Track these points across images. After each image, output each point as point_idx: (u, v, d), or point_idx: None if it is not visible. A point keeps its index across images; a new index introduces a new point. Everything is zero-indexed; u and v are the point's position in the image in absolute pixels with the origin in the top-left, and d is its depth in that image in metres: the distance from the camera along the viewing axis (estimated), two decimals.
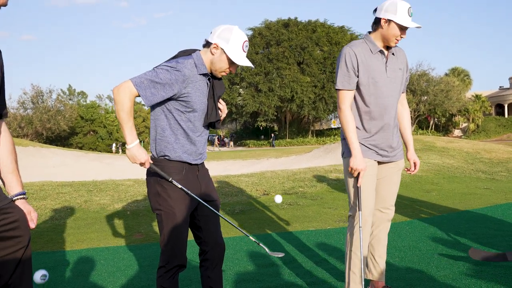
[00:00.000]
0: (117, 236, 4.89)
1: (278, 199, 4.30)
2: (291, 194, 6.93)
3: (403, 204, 6.10)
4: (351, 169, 2.63)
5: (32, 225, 1.87)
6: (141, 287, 3.30)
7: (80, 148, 46.92)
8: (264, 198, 6.63)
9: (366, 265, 2.89)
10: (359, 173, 2.62)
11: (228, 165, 17.36)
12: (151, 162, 2.31)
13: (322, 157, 16.08)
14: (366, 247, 2.82)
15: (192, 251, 3.92)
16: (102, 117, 51.75)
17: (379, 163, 2.79)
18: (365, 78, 2.62)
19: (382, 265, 2.86)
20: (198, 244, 2.50)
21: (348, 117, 2.64)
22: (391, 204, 2.85)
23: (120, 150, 45.36)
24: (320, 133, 53.25)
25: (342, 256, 3.89)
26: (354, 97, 2.69)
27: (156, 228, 5.17)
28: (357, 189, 2.68)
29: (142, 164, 2.29)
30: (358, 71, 2.62)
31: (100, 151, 45.30)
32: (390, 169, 2.82)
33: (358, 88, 2.66)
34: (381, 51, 2.64)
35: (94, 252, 4.29)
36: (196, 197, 2.34)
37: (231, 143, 49.98)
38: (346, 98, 2.65)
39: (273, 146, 44.55)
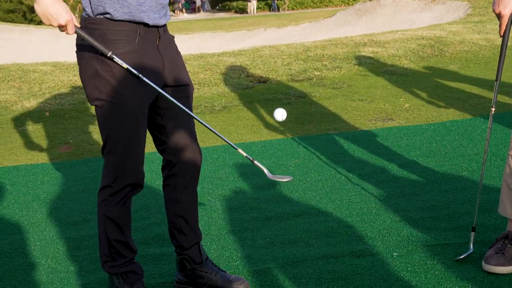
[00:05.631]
0: (32, 150, 4.93)
1: (279, 115, 3.68)
2: (302, 80, 6.95)
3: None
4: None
5: None
6: (73, 223, 3.36)
7: None
8: (259, 88, 6.65)
9: None
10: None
11: (204, 40, 17.19)
12: (77, 25, 2.21)
13: (351, 24, 15.91)
14: None
15: (151, 166, 3.95)
16: None
17: None
18: None
19: None
20: (160, 152, 2.49)
21: None
22: None
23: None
24: None
25: (377, 171, 3.96)
26: None
27: (93, 136, 5.21)
28: None
29: (62, 28, 2.20)
30: None
31: None
32: None
33: None
34: None
35: None
36: (154, 85, 2.27)
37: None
38: None
39: (275, 10, 43.96)
